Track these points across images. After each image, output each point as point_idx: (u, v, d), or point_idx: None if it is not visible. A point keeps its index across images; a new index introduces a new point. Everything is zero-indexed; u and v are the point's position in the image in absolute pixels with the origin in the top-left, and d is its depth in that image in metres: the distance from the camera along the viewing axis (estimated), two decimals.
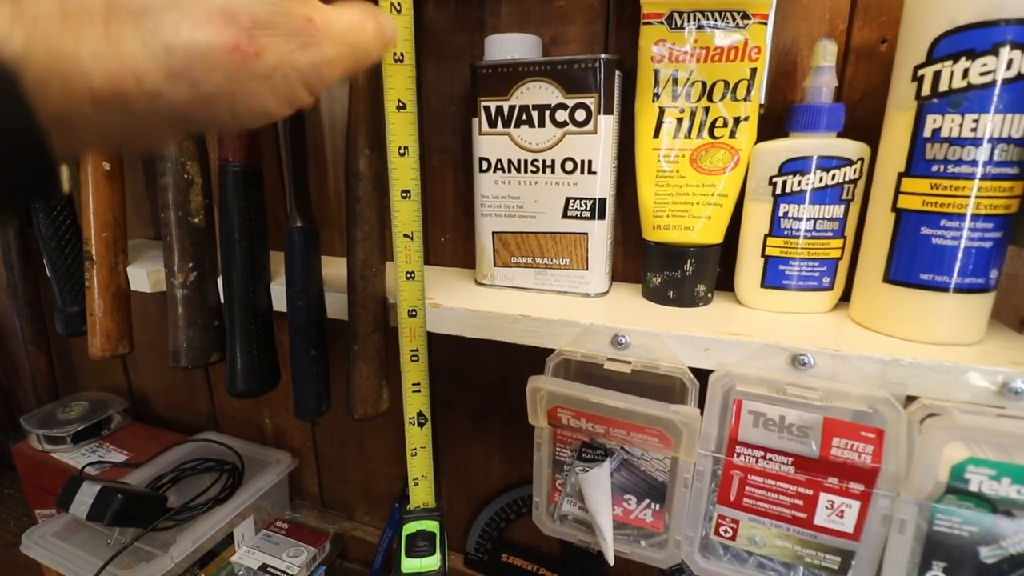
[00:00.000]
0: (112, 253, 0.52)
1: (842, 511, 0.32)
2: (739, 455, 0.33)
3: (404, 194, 0.39)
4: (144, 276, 0.53)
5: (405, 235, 0.39)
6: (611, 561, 0.36)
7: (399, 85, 0.37)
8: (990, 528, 0.29)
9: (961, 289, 0.32)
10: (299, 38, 0.21)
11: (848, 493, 0.32)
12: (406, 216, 0.39)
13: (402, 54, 0.35)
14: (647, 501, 0.37)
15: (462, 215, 0.51)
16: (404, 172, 0.39)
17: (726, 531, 0.35)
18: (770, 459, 0.33)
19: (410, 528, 0.44)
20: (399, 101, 0.37)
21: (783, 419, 0.32)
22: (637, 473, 0.36)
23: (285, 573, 0.57)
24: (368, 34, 0.24)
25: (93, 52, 0.17)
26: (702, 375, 0.35)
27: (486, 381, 0.56)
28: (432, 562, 0.41)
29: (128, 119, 0.18)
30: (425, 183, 0.52)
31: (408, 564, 0.41)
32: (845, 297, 0.39)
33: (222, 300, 0.48)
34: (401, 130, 0.38)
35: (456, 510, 0.63)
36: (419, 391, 0.43)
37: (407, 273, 0.40)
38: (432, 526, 0.44)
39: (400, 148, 0.38)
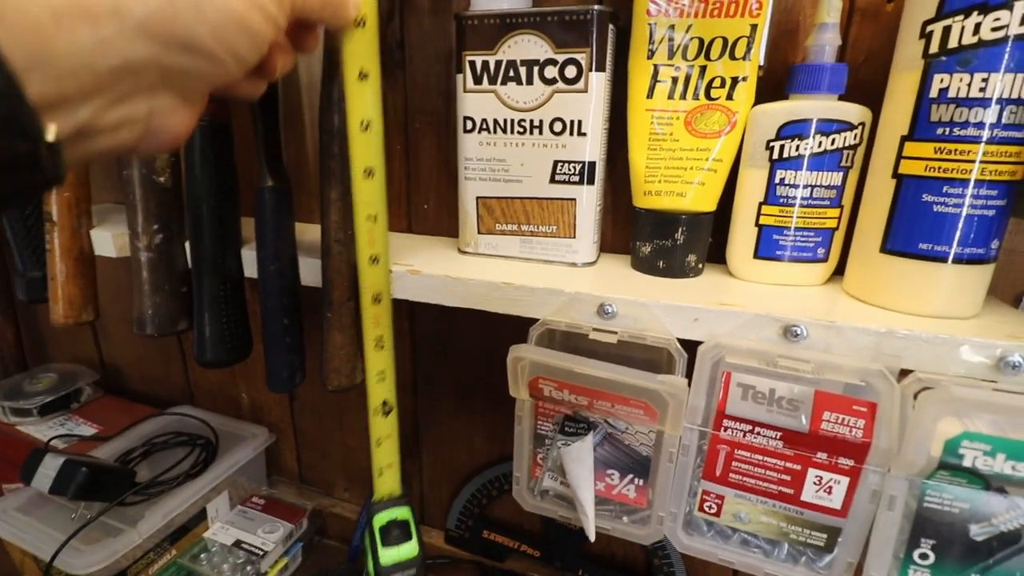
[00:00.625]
0: (74, 215, 0.50)
1: (830, 487, 0.31)
2: (726, 429, 0.32)
3: (367, 173, 0.36)
4: (109, 239, 0.50)
5: (368, 216, 0.37)
6: (592, 537, 0.35)
7: (360, 52, 0.34)
8: (982, 505, 0.28)
9: (961, 260, 0.31)
10: None
11: (837, 469, 0.31)
12: (369, 196, 0.36)
13: (363, 18, 0.32)
14: (630, 476, 0.36)
15: (446, 181, 0.49)
16: (367, 149, 0.36)
17: (710, 507, 0.34)
18: (758, 433, 0.32)
19: (381, 519, 0.42)
20: (361, 70, 0.34)
21: (773, 392, 0.31)
22: (621, 447, 0.35)
23: (260, 549, 0.56)
24: None
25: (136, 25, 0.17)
26: (690, 347, 0.34)
27: (469, 355, 0.54)
28: (410, 548, 0.40)
29: (98, 47, 0.17)
30: (407, 147, 0.49)
31: (387, 555, 0.40)
32: (839, 271, 0.38)
33: (190, 265, 0.45)
34: (363, 102, 0.35)
35: (437, 487, 0.61)
36: (383, 380, 0.41)
37: (371, 257, 0.37)
38: (403, 513, 0.42)
39: (363, 122, 0.35)
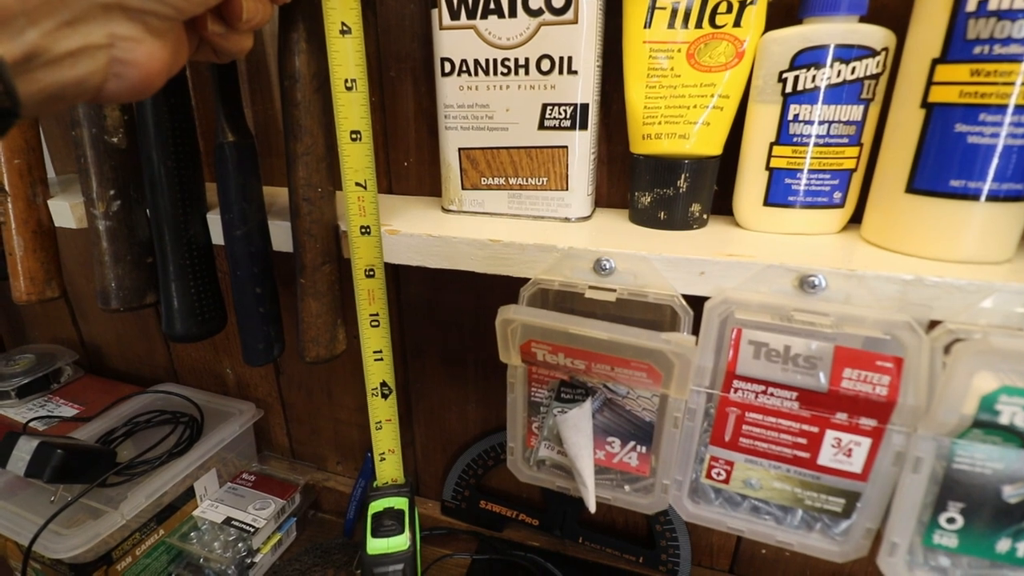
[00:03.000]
0: (28, 183, 0.46)
1: (850, 449, 0.29)
2: (736, 390, 0.30)
3: (354, 135, 0.33)
4: (67, 210, 0.46)
5: (357, 184, 0.34)
6: (592, 509, 0.33)
7: (341, 5, 0.31)
8: (1017, 465, 0.26)
9: (996, 197, 0.28)
10: None
11: (858, 430, 0.28)
12: (357, 161, 0.34)
13: None
14: (632, 443, 0.33)
15: (427, 135, 0.45)
16: (352, 110, 0.33)
17: (719, 474, 0.32)
18: (771, 394, 0.29)
19: (376, 506, 0.40)
20: (343, 24, 0.31)
21: (788, 349, 0.28)
22: (621, 413, 0.33)
23: (251, 526, 0.54)
24: None
25: None
26: (696, 304, 0.31)
27: (459, 320, 0.51)
28: (400, 541, 0.38)
29: None
30: (383, 98, 0.45)
31: (374, 545, 0.38)
32: (855, 219, 0.35)
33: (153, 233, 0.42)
34: (346, 59, 0.32)
35: (432, 457, 0.60)
36: (381, 359, 0.38)
37: (362, 228, 0.35)
38: (400, 503, 0.40)
39: (347, 81, 0.32)
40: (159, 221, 0.40)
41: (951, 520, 0.27)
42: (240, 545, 0.53)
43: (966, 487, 0.27)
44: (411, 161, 0.47)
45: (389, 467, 0.41)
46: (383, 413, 0.40)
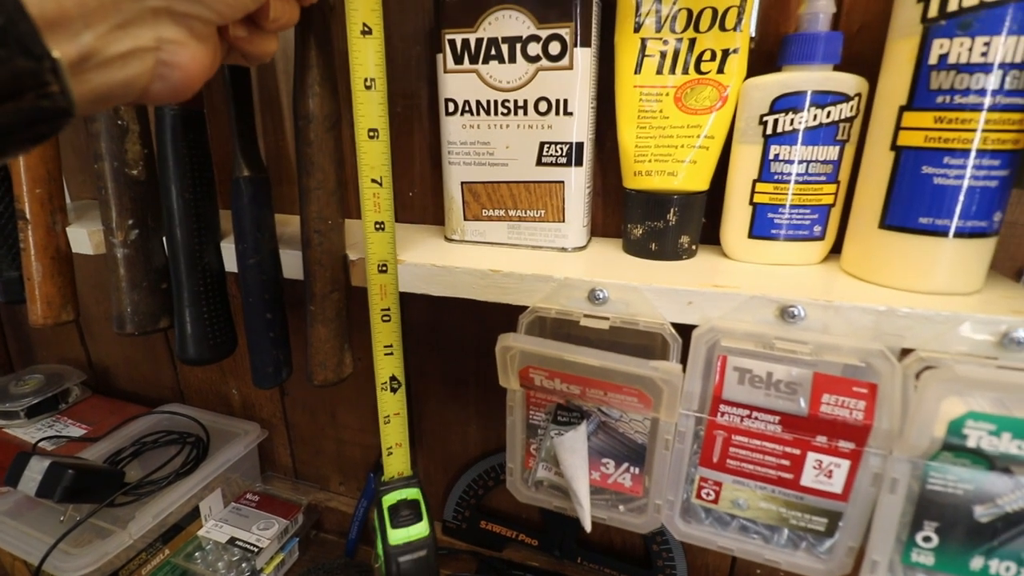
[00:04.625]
0: (48, 212, 0.48)
1: (830, 471, 0.30)
2: (723, 414, 0.31)
3: (371, 133, 0.35)
4: (85, 236, 0.49)
5: (373, 180, 0.36)
6: (588, 528, 0.34)
7: (363, 6, 0.33)
8: (986, 486, 0.27)
9: (962, 233, 0.30)
10: None
11: (837, 452, 0.30)
12: (373, 159, 0.35)
13: None
14: (626, 464, 0.35)
15: (430, 168, 0.48)
16: (370, 108, 0.35)
17: (708, 494, 0.33)
18: (756, 418, 0.31)
19: (390, 499, 0.41)
20: (364, 25, 0.33)
21: (770, 375, 0.30)
22: (615, 436, 0.34)
23: (255, 546, 0.55)
24: None
25: None
26: (685, 332, 0.33)
27: (461, 345, 0.53)
28: (420, 528, 0.39)
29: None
30: (390, 132, 0.48)
31: (395, 535, 0.39)
32: (835, 250, 0.37)
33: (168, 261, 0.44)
34: (366, 59, 0.34)
35: (433, 478, 0.61)
36: (391, 353, 0.40)
37: (376, 223, 0.36)
38: (413, 494, 0.41)
39: (366, 80, 0.34)
40: (175, 249, 0.42)
41: (927, 539, 0.29)
42: (244, 565, 0.54)
43: (940, 507, 0.28)
44: (416, 192, 0.49)
45: (397, 461, 0.42)
46: (392, 407, 0.41)
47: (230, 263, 0.44)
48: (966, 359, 0.28)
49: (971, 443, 0.27)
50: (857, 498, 0.30)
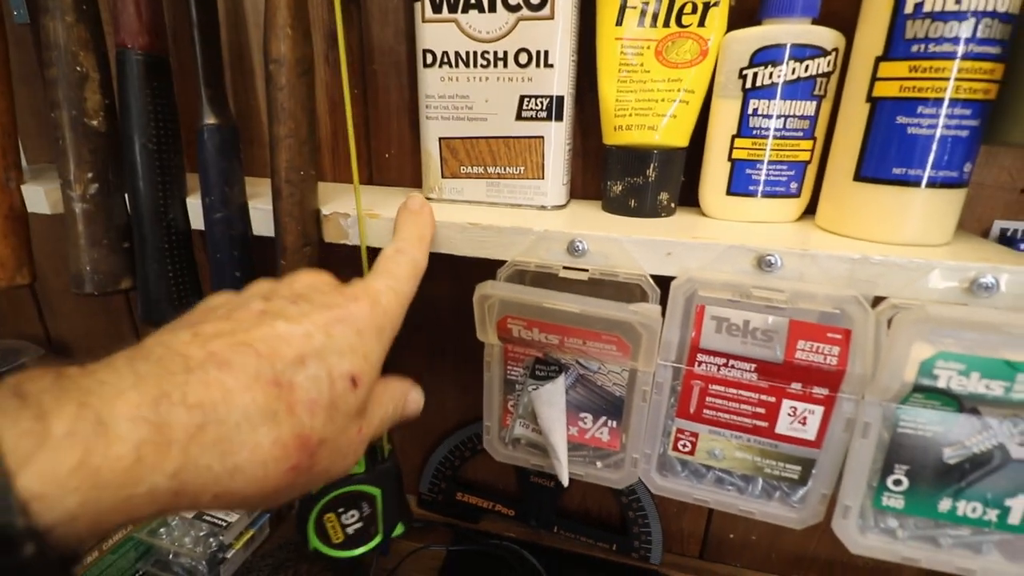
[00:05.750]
0: (1, 168, 0.45)
1: (804, 418, 0.31)
2: (700, 364, 0.31)
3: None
4: (42, 194, 0.46)
5: None
6: (565, 482, 0.34)
7: None
8: (955, 427, 0.28)
9: (934, 183, 0.30)
10: (349, 447, 0.24)
11: (811, 399, 0.30)
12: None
13: None
14: (603, 418, 0.35)
15: (408, 127, 0.46)
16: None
17: (684, 445, 0.33)
18: (732, 366, 0.31)
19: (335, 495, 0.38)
20: None
21: (747, 323, 0.30)
22: (593, 389, 0.34)
23: (223, 520, 0.53)
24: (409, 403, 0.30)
25: (151, 489, 0.17)
26: (663, 285, 0.32)
27: (437, 311, 0.52)
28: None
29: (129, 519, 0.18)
30: (365, 91, 0.47)
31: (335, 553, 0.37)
32: (810, 210, 0.37)
33: (130, 216, 0.42)
34: None
35: (409, 451, 0.60)
36: None
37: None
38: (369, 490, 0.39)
39: None
40: (138, 204, 0.40)
41: (897, 482, 0.29)
42: (211, 540, 0.53)
43: (910, 450, 0.29)
44: (392, 153, 0.48)
45: None
46: None
47: (196, 221, 0.42)
48: (935, 305, 0.28)
49: (941, 383, 0.27)
50: (830, 444, 0.31)
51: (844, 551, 0.47)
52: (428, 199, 0.42)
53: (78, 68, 0.39)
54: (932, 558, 0.30)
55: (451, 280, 0.50)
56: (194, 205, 0.42)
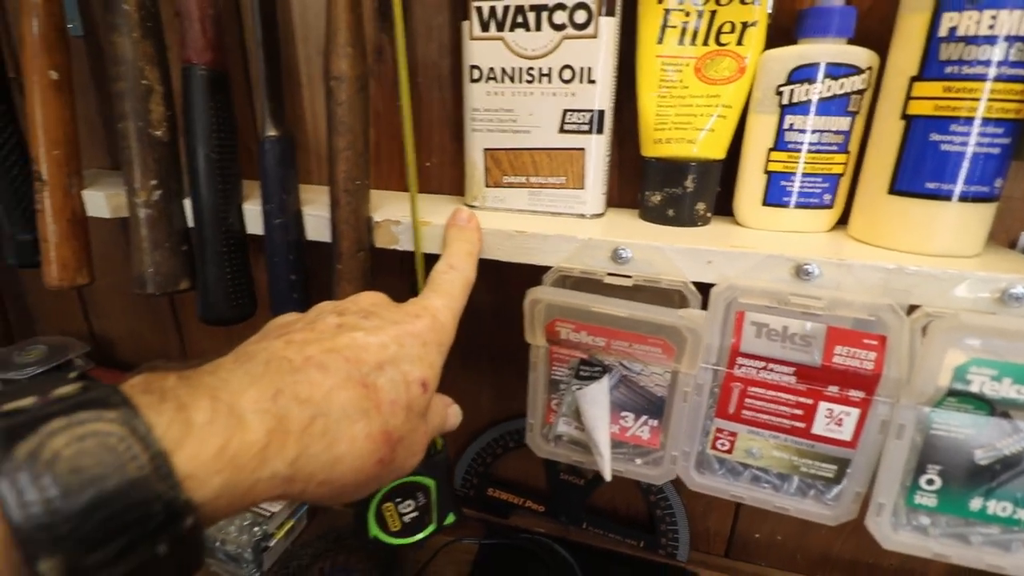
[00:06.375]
0: (65, 174, 0.48)
1: (840, 419, 0.32)
2: (740, 367, 0.33)
3: None
4: (103, 200, 0.49)
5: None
6: (608, 477, 0.36)
7: None
8: (987, 430, 0.29)
9: (966, 198, 0.32)
10: (417, 445, 0.26)
11: (848, 401, 0.32)
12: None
13: None
14: (644, 417, 0.36)
15: (449, 139, 0.49)
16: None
17: (723, 444, 0.35)
18: (771, 369, 0.32)
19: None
20: None
21: (786, 329, 0.32)
22: (636, 389, 0.36)
23: (267, 510, 0.56)
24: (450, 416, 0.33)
25: (272, 474, 0.19)
26: (703, 291, 0.34)
27: (476, 314, 0.54)
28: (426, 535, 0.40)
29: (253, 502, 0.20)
30: (411, 103, 0.48)
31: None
32: (842, 220, 0.38)
33: (190, 224, 0.45)
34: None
35: None
36: None
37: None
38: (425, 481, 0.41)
39: None
40: (200, 209, 0.42)
41: (930, 481, 0.31)
42: (256, 529, 0.55)
43: (943, 451, 0.30)
44: (433, 163, 0.50)
45: None
46: None
47: (250, 226, 0.44)
48: (968, 313, 0.30)
49: (974, 388, 0.29)
50: (865, 445, 0.32)
51: (868, 552, 0.48)
52: (471, 207, 0.44)
53: (143, 82, 0.42)
54: (962, 555, 0.31)
55: (487, 284, 0.52)
56: (250, 211, 0.44)
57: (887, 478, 0.31)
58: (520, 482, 0.59)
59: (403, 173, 0.51)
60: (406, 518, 0.43)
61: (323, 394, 0.21)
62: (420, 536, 0.43)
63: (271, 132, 0.39)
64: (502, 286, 0.52)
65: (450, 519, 0.44)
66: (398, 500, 0.43)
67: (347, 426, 0.21)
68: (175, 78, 0.43)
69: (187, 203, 0.45)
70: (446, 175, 0.50)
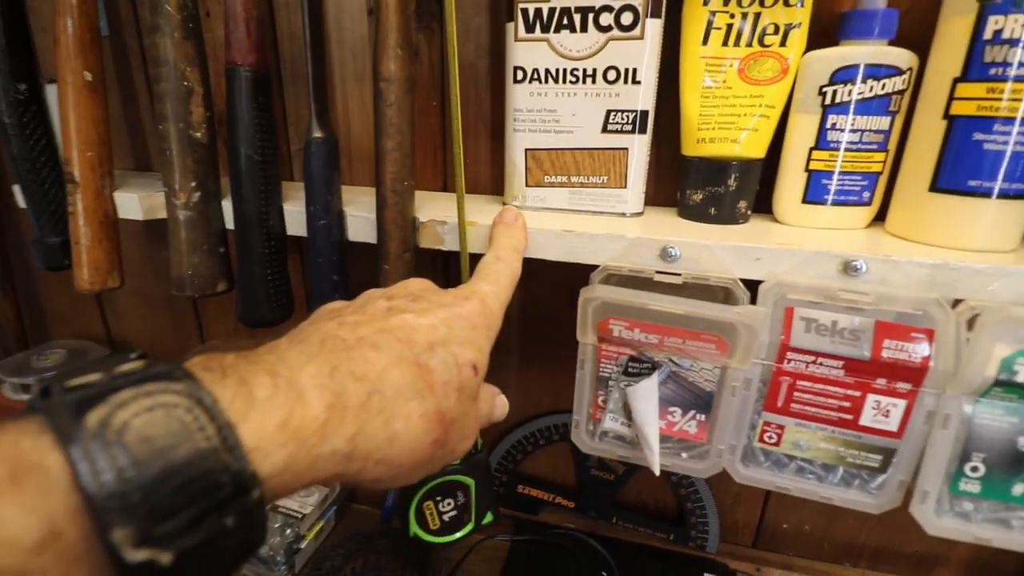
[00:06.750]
0: (98, 175, 0.48)
1: (888, 411, 0.33)
2: (789, 361, 0.34)
3: None
4: (135, 201, 0.48)
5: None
6: (657, 472, 0.36)
7: None
8: None
9: (1006, 195, 0.33)
10: (469, 429, 0.26)
11: (895, 393, 0.33)
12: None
13: None
14: (692, 412, 0.37)
15: (484, 138, 0.49)
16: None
17: (771, 437, 0.36)
18: (820, 363, 0.33)
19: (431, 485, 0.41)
20: None
21: (835, 324, 0.33)
22: (684, 385, 0.37)
23: (298, 512, 0.56)
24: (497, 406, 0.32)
25: (332, 450, 0.19)
26: (750, 288, 0.35)
27: (507, 314, 0.55)
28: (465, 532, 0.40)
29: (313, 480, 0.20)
30: (443, 103, 0.49)
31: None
32: (879, 217, 0.39)
33: (228, 225, 0.45)
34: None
35: None
36: None
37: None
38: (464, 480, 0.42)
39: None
40: (242, 211, 0.42)
41: (974, 469, 0.32)
42: (288, 531, 0.55)
43: (987, 439, 0.31)
44: (468, 162, 0.50)
45: None
46: None
47: (293, 227, 0.44)
48: (1016, 307, 0.31)
49: (1020, 378, 0.30)
50: (911, 435, 0.33)
51: (893, 539, 0.49)
52: (511, 207, 0.44)
53: (185, 83, 0.42)
54: (1003, 538, 0.32)
55: (521, 288, 0.53)
56: (290, 212, 0.44)
57: (932, 466, 0.33)
58: (549, 479, 0.60)
59: (436, 173, 0.51)
60: (445, 517, 0.43)
61: (377, 372, 0.21)
62: (458, 535, 0.43)
63: (317, 134, 0.40)
64: (530, 285, 0.53)
65: (488, 518, 0.44)
66: (438, 499, 0.43)
67: (402, 404, 0.21)
68: (215, 80, 0.43)
69: (225, 205, 0.45)
70: (481, 174, 0.50)
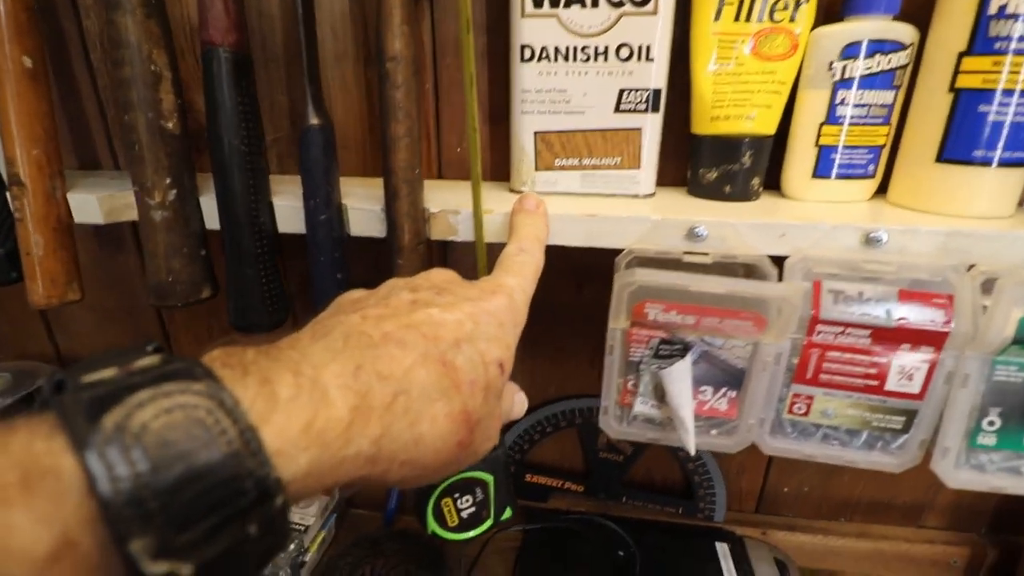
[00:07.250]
0: (47, 176, 0.42)
1: (911, 374, 0.34)
2: (819, 333, 0.35)
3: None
4: (94, 203, 0.43)
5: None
6: (692, 452, 0.37)
7: None
8: None
9: (1006, 163, 0.34)
10: (493, 429, 0.25)
11: (918, 357, 0.34)
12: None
13: None
14: (724, 390, 0.37)
15: (483, 123, 0.47)
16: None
17: (800, 408, 0.37)
18: (848, 333, 0.34)
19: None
20: None
21: (861, 294, 0.34)
22: (716, 363, 0.37)
23: (301, 524, 0.53)
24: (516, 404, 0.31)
25: (357, 453, 0.18)
26: (775, 263, 0.35)
27: None
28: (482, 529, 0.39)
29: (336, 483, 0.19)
30: (437, 86, 0.46)
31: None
32: (880, 189, 0.41)
33: (207, 224, 0.41)
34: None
35: None
36: None
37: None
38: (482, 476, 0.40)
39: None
40: (230, 207, 0.38)
41: (991, 423, 0.34)
42: (291, 546, 0.52)
43: (1004, 394, 0.33)
44: (463, 147, 0.48)
45: None
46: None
47: (286, 223, 0.41)
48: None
49: None
50: (932, 396, 0.35)
51: (884, 492, 0.52)
52: (519, 192, 0.43)
53: (152, 67, 0.37)
54: (1016, 485, 0.35)
55: None
56: (281, 208, 0.41)
57: (953, 424, 0.34)
58: (557, 465, 0.60)
59: (433, 160, 0.49)
60: (463, 513, 0.42)
61: (403, 371, 0.20)
62: (476, 531, 0.42)
63: (314, 120, 0.36)
64: (542, 273, 0.51)
65: (507, 514, 0.43)
66: (456, 496, 0.42)
67: (427, 405, 0.20)
68: (185, 64, 0.39)
69: (204, 202, 0.41)
70: (481, 159, 0.48)
